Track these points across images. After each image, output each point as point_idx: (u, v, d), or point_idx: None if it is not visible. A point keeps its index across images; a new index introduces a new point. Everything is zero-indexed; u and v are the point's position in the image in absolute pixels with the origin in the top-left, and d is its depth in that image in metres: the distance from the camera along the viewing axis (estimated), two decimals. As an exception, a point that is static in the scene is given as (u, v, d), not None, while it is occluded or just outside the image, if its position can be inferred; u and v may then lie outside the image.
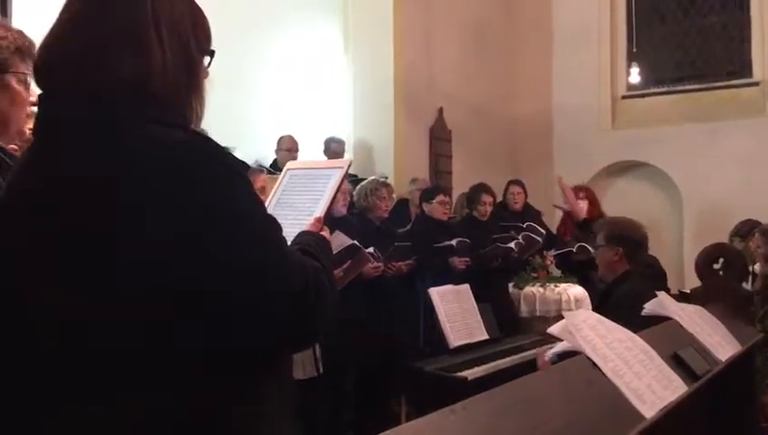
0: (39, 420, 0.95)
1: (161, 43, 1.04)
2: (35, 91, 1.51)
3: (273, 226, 1.03)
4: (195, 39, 1.10)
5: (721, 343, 2.26)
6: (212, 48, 1.13)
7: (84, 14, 1.05)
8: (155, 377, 0.94)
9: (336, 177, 1.46)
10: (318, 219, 1.33)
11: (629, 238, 3.21)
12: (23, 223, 1.00)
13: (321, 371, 3.32)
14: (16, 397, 0.97)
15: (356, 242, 1.53)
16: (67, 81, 1.03)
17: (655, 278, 3.60)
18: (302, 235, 1.24)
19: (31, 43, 1.49)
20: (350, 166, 1.55)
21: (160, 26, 1.05)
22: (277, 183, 1.57)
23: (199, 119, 1.12)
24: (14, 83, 1.49)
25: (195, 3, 1.13)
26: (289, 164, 1.66)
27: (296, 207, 1.44)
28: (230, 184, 0.99)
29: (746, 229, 5.08)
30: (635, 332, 1.75)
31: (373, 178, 4.86)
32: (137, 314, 0.93)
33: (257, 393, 1.03)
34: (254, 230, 0.99)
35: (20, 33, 1.50)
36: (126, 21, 1.04)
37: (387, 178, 5.31)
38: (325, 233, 1.30)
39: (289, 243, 1.13)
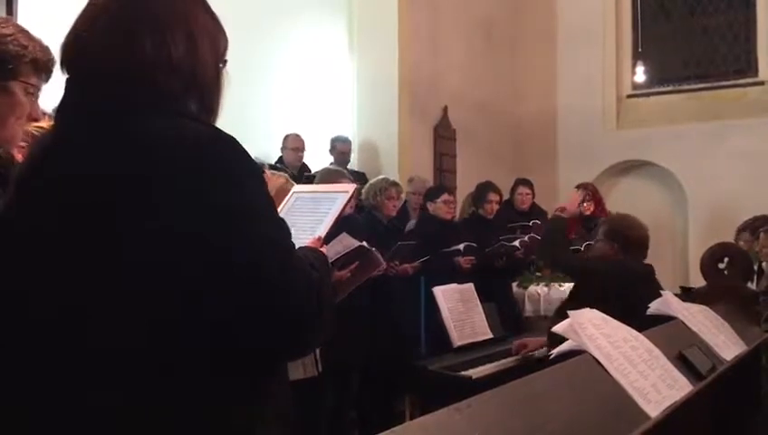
0: (41, 420, 0.95)
1: (202, 40, 1.08)
2: (41, 108, 1.51)
3: (285, 229, 1.04)
4: (220, 43, 1.14)
5: (726, 342, 2.26)
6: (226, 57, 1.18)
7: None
8: (159, 377, 0.94)
9: (341, 200, 1.49)
10: (318, 238, 1.36)
11: (629, 236, 3.24)
12: (29, 220, 1.01)
13: (321, 370, 3.33)
14: (18, 397, 0.97)
15: (365, 244, 1.54)
16: (92, 68, 1.04)
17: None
18: (300, 249, 1.25)
19: (50, 60, 1.47)
20: (355, 191, 1.57)
21: (200, 24, 1.09)
22: (282, 204, 1.59)
23: (216, 118, 1.15)
24: (18, 92, 1.46)
25: (215, 13, 1.17)
26: (296, 187, 1.70)
27: (299, 227, 1.46)
28: (251, 183, 1.00)
29: (759, 224, 5.05)
30: (639, 331, 1.75)
31: (382, 177, 4.85)
32: (142, 313, 0.93)
33: (260, 393, 1.03)
34: (268, 232, 0.99)
35: (44, 48, 1.48)
36: (173, 11, 1.06)
37: None
38: (325, 250, 1.32)
39: None
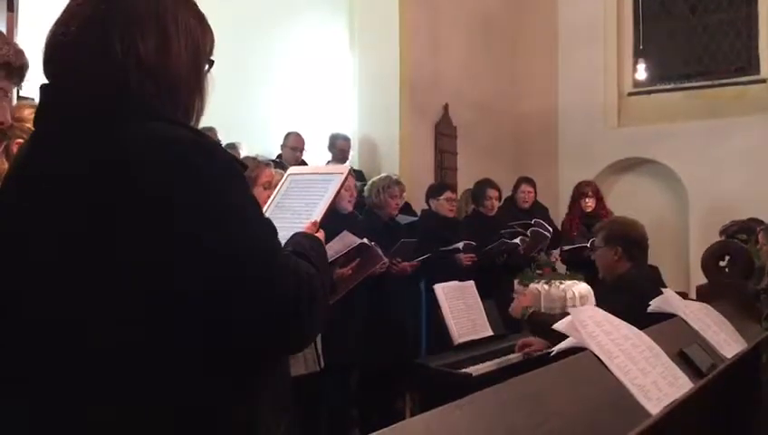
0: (39, 421, 0.95)
1: (179, 38, 1.07)
2: (10, 111, 1.49)
3: (269, 228, 1.04)
4: (203, 43, 1.13)
5: (727, 340, 2.26)
6: (212, 58, 1.16)
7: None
8: (155, 377, 0.94)
9: (335, 182, 1.48)
10: (314, 223, 1.35)
11: (629, 238, 3.21)
12: (22, 222, 1.00)
13: (323, 365, 3.33)
14: (16, 398, 0.97)
15: (365, 240, 1.54)
16: (71, 69, 1.03)
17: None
18: (295, 236, 1.25)
19: (23, 65, 1.46)
20: (349, 172, 1.56)
21: (178, 23, 1.07)
22: (278, 188, 1.59)
23: (199, 118, 1.14)
24: None
25: (202, 13, 1.15)
26: (291, 169, 1.68)
27: (294, 211, 1.46)
28: (230, 184, 0.99)
29: (734, 229, 5.09)
30: (640, 327, 1.75)
31: (386, 174, 4.82)
32: (140, 313, 0.93)
33: (255, 392, 1.03)
34: (252, 232, 0.99)
35: (18, 51, 1.46)
36: (147, 10, 1.05)
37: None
38: (320, 235, 1.31)
39: (283, 245, 1.14)
